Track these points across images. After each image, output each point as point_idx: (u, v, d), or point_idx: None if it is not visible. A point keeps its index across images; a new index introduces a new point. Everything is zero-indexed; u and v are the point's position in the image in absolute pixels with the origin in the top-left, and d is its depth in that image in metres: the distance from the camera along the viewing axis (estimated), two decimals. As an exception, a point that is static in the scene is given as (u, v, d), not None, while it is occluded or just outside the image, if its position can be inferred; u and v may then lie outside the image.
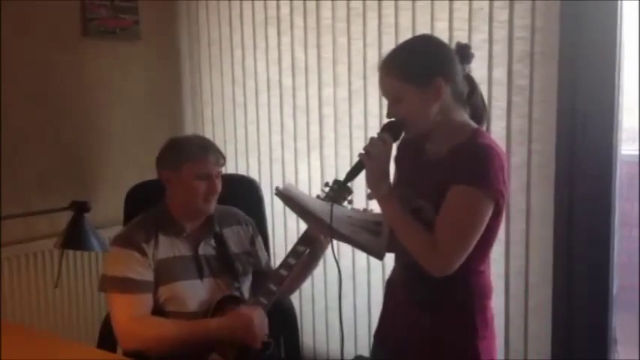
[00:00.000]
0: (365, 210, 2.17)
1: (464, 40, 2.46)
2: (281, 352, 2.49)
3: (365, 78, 2.96)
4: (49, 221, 2.82)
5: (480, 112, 1.98)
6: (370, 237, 2.00)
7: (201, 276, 2.34)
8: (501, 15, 2.54)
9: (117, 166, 3.33)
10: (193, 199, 2.33)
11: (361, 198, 2.08)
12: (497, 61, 2.57)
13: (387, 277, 2.15)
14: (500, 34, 2.55)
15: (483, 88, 2.49)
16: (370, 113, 2.96)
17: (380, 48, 2.86)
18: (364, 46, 2.94)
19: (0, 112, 2.91)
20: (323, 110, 3.13)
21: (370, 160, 1.86)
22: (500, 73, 2.57)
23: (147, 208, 2.42)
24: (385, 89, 1.91)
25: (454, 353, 1.94)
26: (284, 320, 2.53)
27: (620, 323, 2.56)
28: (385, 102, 1.93)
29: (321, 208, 2.01)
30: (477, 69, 2.54)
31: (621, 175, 2.45)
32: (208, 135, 3.46)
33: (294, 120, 3.24)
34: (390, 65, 1.89)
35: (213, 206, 2.38)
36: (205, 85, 3.57)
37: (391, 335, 2.07)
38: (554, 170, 2.48)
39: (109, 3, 3.26)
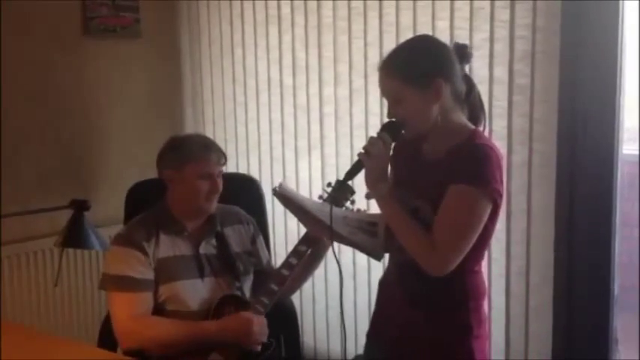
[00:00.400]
0: (359, 210, 2.16)
1: (465, 40, 2.47)
2: (282, 352, 2.49)
3: (366, 77, 2.95)
4: (49, 220, 2.80)
5: (477, 111, 1.99)
6: (367, 237, 2.00)
7: (202, 275, 2.34)
8: (502, 14, 2.54)
9: (117, 165, 3.33)
10: (195, 198, 2.33)
11: (360, 198, 2.08)
12: (498, 60, 2.57)
13: (385, 277, 2.15)
14: (502, 33, 2.55)
15: (484, 88, 2.50)
16: (371, 112, 2.95)
17: (381, 47, 2.86)
18: (365, 45, 2.94)
19: (0, 112, 2.91)
20: (324, 109, 3.12)
21: (369, 159, 1.86)
22: (501, 72, 2.57)
23: (147, 206, 2.42)
24: (385, 90, 1.91)
25: (448, 352, 1.94)
26: (285, 319, 2.53)
27: (621, 323, 2.56)
28: (386, 101, 1.93)
29: (319, 209, 2.01)
30: (478, 68, 2.55)
31: (622, 175, 2.44)
32: (209, 134, 3.45)
33: (294, 119, 3.23)
34: (390, 66, 1.88)
35: (214, 205, 2.38)
36: (206, 84, 3.57)
37: (385, 334, 2.06)
38: (555, 170, 2.48)
39: (110, 2, 3.25)
